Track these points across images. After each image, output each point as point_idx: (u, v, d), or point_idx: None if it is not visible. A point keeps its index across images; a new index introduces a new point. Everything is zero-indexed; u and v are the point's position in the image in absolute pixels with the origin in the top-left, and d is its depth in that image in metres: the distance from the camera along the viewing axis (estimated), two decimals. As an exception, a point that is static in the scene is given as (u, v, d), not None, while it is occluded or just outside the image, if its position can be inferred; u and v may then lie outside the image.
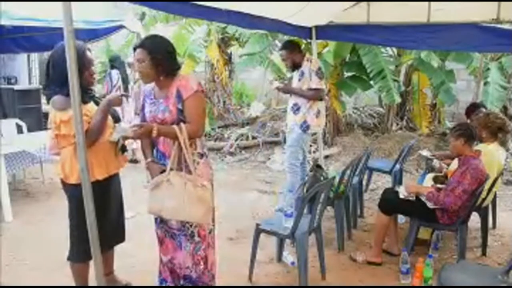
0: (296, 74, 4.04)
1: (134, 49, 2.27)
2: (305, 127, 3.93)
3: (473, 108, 4.08)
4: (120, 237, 2.64)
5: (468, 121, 3.95)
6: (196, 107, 2.23)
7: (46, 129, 5.51)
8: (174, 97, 2.24)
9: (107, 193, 2.44)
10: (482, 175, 2.89)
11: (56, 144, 2.28)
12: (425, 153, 4.16)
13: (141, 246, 3.19)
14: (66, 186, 2.37)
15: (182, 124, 2.19)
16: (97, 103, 2.42)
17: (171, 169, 2.23)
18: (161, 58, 2.21)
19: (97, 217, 2.08)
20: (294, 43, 4.07)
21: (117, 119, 2.52)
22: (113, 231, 2.54)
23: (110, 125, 2.40)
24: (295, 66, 3.99)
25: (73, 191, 2.29)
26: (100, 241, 2.10)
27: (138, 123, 2.23)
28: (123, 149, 2.50)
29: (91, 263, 2.26)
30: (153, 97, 2.35)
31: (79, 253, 2.41)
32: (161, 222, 2.44)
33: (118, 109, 2.81)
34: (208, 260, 2.43)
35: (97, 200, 2.10)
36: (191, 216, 2.22)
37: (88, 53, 2.33)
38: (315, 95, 3.88)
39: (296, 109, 3.96)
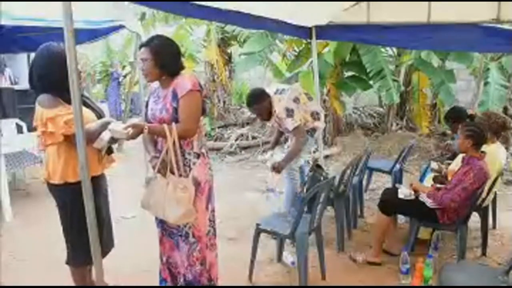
0: (275, 124, 3.65)
1: (139, 47, 2.28)
2: None
3: (463, 118, 3.56)
4: (107, 243, 2.46)
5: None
6: (188, 106, 2.21)
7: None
8: (170, 96, 2.24)
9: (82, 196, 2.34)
10: (485, 177, 2.89)
11: (44, 141, 2.21)
12: (433, 165, 3.97)
13: (141, 246, 3.18)
14: (50, 187, 2.28)
15: (173, 124, 2.18)
16: (84, 103, 2.22)
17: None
18: (164, 58, 2.22)
19: (81, 223, 2.06)
20: (257, 93, 3.48)
21: (101, 117, 2.41)
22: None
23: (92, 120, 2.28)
24: (271, 114, 3.51)
25: (57, 192, 2.24)
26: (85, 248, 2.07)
27: (131, 123, 2.21)
28: (109, 150, 2.42)
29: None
30: (156, 96, 2.36)
31: (75, 259, 2.37)
32: (160, 221, 2.44)
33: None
34: (206, 262, 2.41)
35: (71, 204, 2.10)
36: (167, 216, 2.22)
37: None
38: (299, 135, 3.45)
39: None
